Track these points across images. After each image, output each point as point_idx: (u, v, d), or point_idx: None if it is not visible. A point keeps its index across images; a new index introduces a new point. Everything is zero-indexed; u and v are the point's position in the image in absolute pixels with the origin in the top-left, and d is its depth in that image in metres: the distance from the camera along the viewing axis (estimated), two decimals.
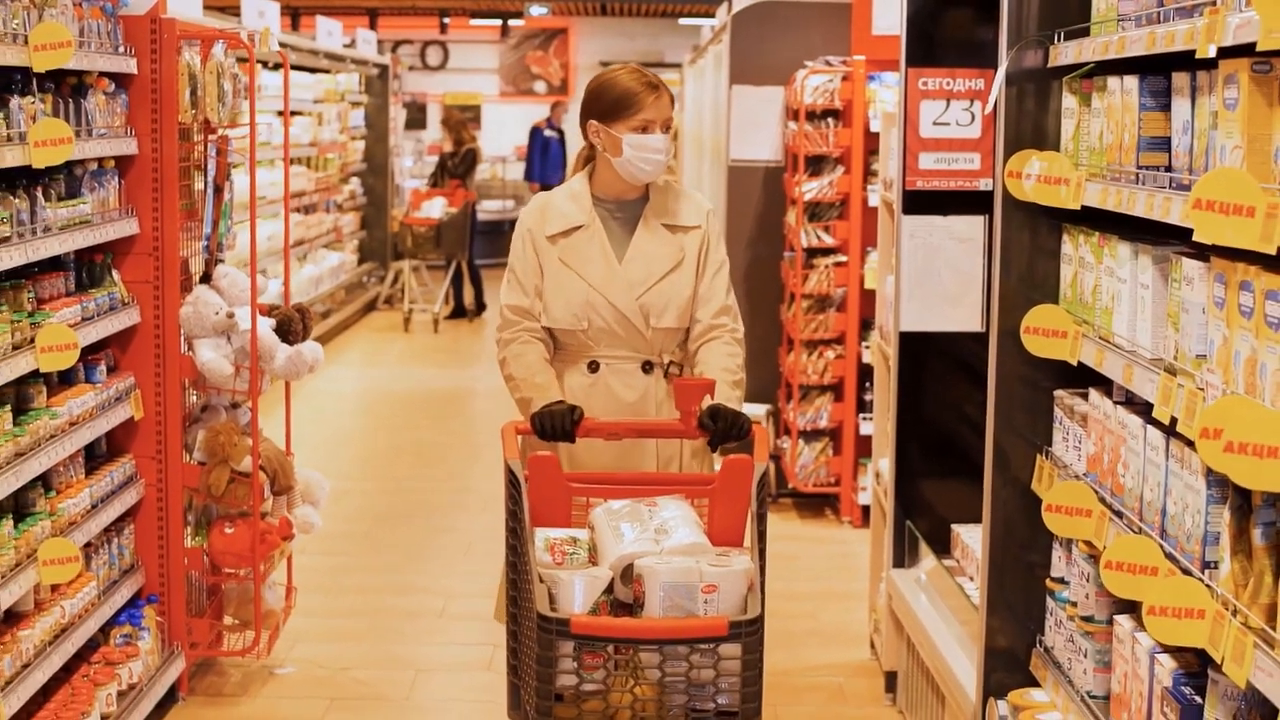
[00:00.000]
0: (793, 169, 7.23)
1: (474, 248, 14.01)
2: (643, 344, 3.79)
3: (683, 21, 20.05)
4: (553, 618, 2.93)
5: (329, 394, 10.17)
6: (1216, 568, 2.55)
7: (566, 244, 3.80)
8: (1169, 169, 2.86)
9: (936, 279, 4.71)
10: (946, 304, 4.72)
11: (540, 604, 2.98)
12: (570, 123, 18.45)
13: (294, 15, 17.95)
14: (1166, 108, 2.86)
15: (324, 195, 13.22)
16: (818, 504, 7.34)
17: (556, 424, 3.51)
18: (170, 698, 4.80)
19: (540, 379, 3.68)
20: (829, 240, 7.08)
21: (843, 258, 7.07)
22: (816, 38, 7.40)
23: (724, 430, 3.51)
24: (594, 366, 3.78)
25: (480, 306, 14.00)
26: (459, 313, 13.87)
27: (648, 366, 3.80)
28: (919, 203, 4.73)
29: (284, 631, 5.27)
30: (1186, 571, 2.62)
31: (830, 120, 7.06)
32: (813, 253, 7.14)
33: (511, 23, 20.93)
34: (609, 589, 3.10)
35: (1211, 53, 2.47)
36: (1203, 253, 2.65)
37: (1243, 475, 2.18)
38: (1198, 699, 2.67)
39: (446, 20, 20.68)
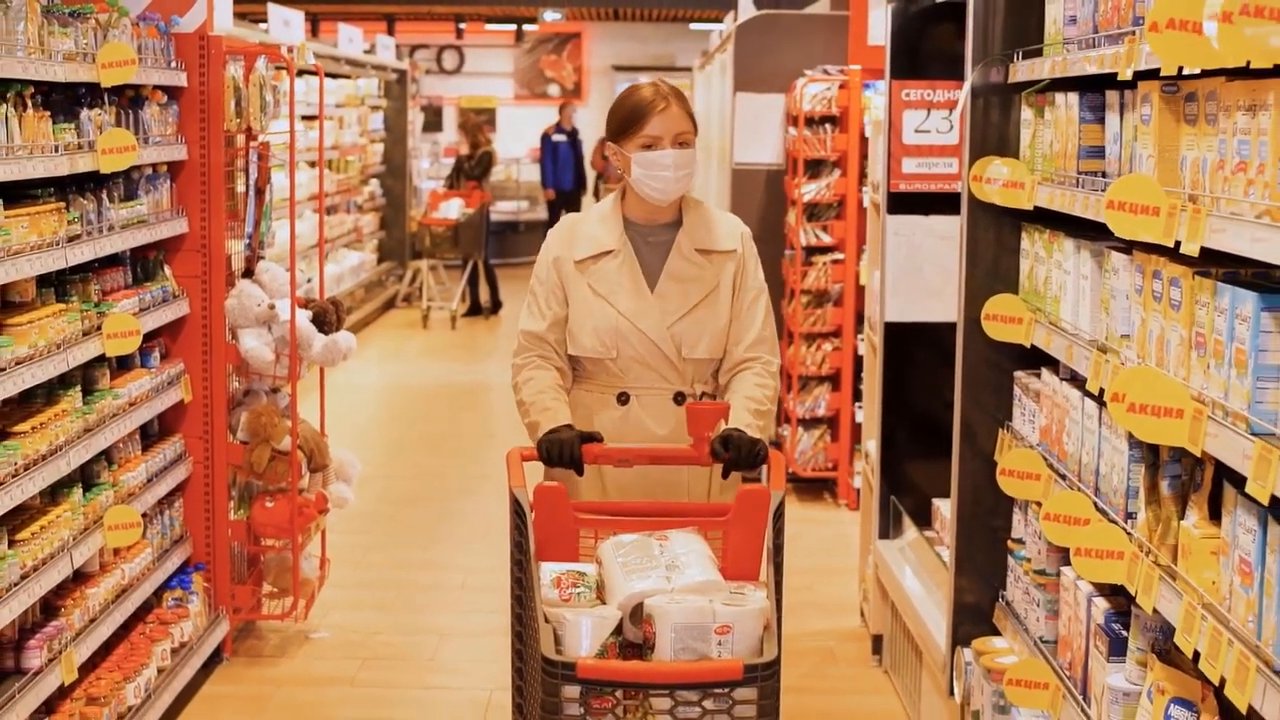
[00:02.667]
0: (792, 172, 7.66)
1: (489, 247, 14.44)
2: (674, 374, 3.62)
3: (693, 27, 20.46)
4: (558, 661, 2.78)
5: (351, 387, 10.60)
6: (1135, 517, 2.97)
7: (595, 270, 3.62)
8: (1104, 175, 3.27)
9: (919, 274, 5.14)
10: (928, 296, 5.15)
11: (545, 646, 2.84)
12: (580, 122, 18.88)
13: (313, 21, 18.41)
14: (1101, 121, 3.28)
15: (345, 197, 13.67)
16: (816, 488, 7.76)
17: (564, 451, 3.37)
18: (216, 657, 5.23)
19: (549, 402, 3.53)
20: (826, 239, 7.51)
21: (839, 255, 7.50)
22: (816, 48, 7.83)
23: (736, 459, 3.36)
24: (624, 398, 3.62)
25: (496, 304, 14.43)
26: (475, 310, 14.30)
27: (680, 398, 3.62)
28: (903, 203, 5.17)
29: (317, 600, 5.71)
30: (1112, 521, 3.04)
31: (828, 126, 7.48)
32: (811, 251, 7.57)
33: (526, 27, 21.38)
34: (618, 629, 2.95)
35: (1130, 75, 2.89)
36: (1130, 247, 3.07)
37: (1142, 431, 2.60)
38: (1123, 632, 3.09)
39: (462, 25, 21.14)
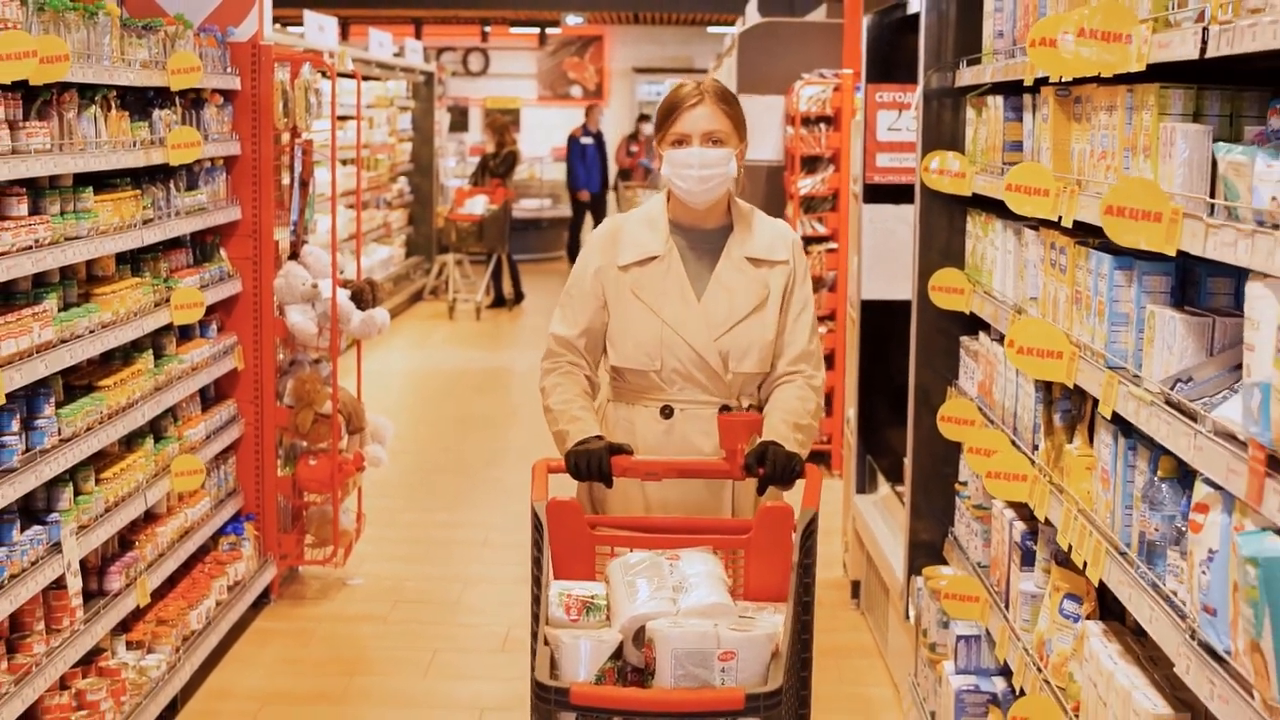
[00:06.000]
0: (790, 168, 8.27)
1: (512, 242, 15.08)
2: (721, 387, 3.47)
3: (710, 30, 21.09)
4: (550, 686, 2.67)
5: (382, 373, 11.23)
6: (1039, 448, 3.58)
7: (640, 275, 3.47)
8: None
9: (892, 256, 5.74)
10: (901, 277, 5.73)
11: (539, 670, 2.74)
12: (606, 124, 19.46)
13: (343, 25, 19.06)
14: (1020, 119, 3.89)
15: (375, 193, 14.33)
16: (811, 460, 8.34)
17: (592, 464, 3.24)
18: (264, 598, 5.88)
19: (577, 411, 3.40)
20: (821, 229, 8.12)
21: (833, 245, 8.11)
22: (813, 53, 8.46)
23: (771, 474, 3.23)
24: (668, 411, 3.47)
25: (519, 296, 15.07)
26: (499, 302, 14.94)
27: (725, 411, 3.46)
28: (877, 194, 5.79)
29: (354, 552, 6.34)
30: (1021, 451, 3.65)
31: (823, 125, 8.10)
32: (807, 240, 8.19)
33: (549, 31, 22.05)
34: (617, 653, 2.84)
35: (1032, 81, 3.50)
36: (1038, 226, 3.67)
37: (1029, 369, 3.22)
38: (1034, 547, 3.69)
39: (487, 29, 21.82)
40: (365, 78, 13.94)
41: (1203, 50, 2.36)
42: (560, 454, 3.37)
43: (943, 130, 4.60)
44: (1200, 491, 2.41)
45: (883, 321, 5.88)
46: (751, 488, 3.44)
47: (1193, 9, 2.47)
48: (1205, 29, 2.35)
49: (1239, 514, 2.25)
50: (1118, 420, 2.91)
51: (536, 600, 3.00)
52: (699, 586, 2.93)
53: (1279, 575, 2.02)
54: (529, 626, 3.10)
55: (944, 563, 4.60)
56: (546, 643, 2.82)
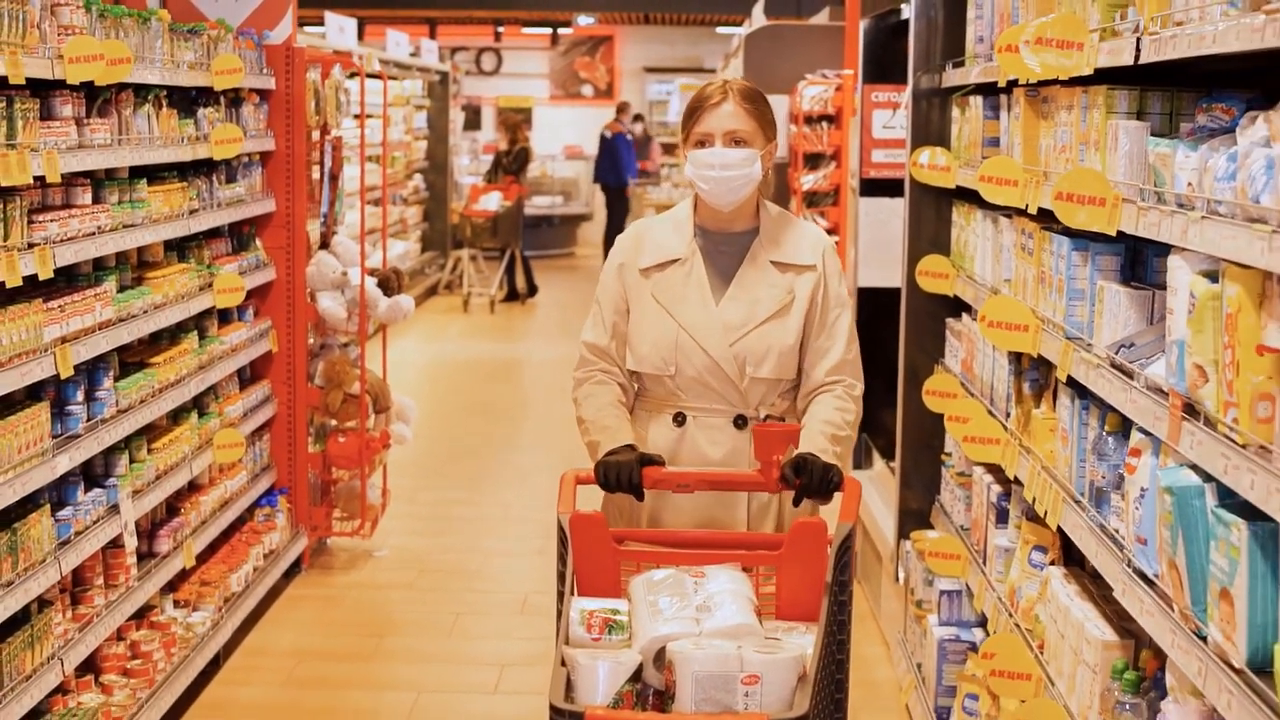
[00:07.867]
0: (794, 165, 8.63)
1: (524, 238, 15.46)
2: (736, 396, 3.36)
3: (719, 30, 21.45)
4: (565, 709, 2.57)
5: (400, 364, 11.57)
6: (1011, 415, 3.94)
7: (661, 278, 3.40)
8: None
9: (886, 246, 6.11)
10: (894, 265, 6.09)
11: (553, 692, 2.64)
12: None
13: (359, 25, 19.43)
14: (997, 117, 4.25)
15: (391, 190, 14.72)
16: None
17: (622, 476, 3.14)
18: (296, 567, 6.25)
19: (610, 421, 3.32)
20: (824, 223, 8.47)
21: (835, 238, 8.46)
22: (816, 54, 8.82)
23: (808, 485, 3.09)
24: (680, 419, 3.39)
25: (531, 291, 15.44)
26: (513, 296, 15.31)
27: (740, 421, 3.37)
28: (873, 188, 6.15)
29: (379, 526, 6.72)
30: (995, 419, 4.02)
31: (825, 123, 8.46)
32: None
33: (561, 31, 22.43)
34: (636, 675, 2.73)
35: (1004, 83, 3.86)
36: (1012, 214, 4.03)
37: (999, 341, 3.58)
38: (1007, 506, 4.06)
39: (500, 29, 22.20)
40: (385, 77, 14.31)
41: (1136, 57, 2.72)
42: (592, 465, 3.28)
43: (930, 128, 4.96)
44: (1135, 439, 2.77)
45: (878, 308, 6.24)
46: (769, 500, 3.40)
47: (1131, 21, 2.84)
48: (1139, 39, 2.72)
49: (1164, 455, 2.62)
50: (1073, 384, 3.27)
51: (560, 615, 2.92)
52: (724, 605, 2.83)
53: (1190, 502, 2.39)
54: (546, 594, 3.11)
55: (930, 527, 4.96)
56: (564, 663, 2.72)
